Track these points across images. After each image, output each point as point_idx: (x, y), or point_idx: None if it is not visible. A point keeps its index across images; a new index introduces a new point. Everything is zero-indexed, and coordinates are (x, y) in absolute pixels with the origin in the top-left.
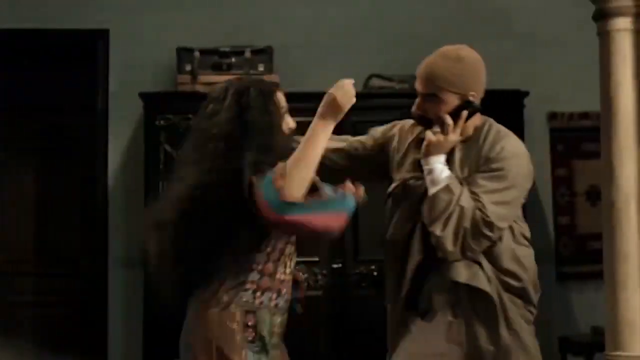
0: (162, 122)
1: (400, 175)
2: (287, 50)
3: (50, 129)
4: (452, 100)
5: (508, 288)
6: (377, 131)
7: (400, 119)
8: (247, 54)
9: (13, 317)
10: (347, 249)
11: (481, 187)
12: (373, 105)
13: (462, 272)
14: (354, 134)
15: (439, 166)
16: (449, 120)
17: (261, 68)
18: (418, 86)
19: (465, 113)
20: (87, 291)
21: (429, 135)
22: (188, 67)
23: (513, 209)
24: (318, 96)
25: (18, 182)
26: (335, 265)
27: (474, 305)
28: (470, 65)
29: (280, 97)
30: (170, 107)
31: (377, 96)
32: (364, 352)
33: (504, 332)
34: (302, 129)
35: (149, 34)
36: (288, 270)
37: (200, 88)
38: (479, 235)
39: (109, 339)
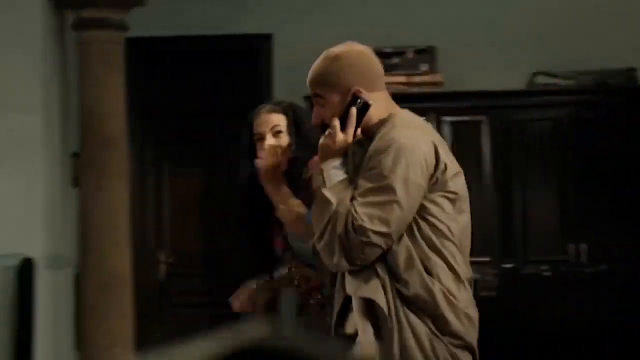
0: None
1: None
2: (449, 50)
3: (216, 134)
4: (337, 100)
5: (403, 297)
6: None
7: (567, 116)
8: (410, 55)
9: (185, 318)
10: (517, 249)
11: (359, 189)
12: (538, 104)
13: (350, 284)
14: (519, 133)
15: (332, 172)
16: (334, 122)
17: (424, 68)
18: (308, 87)
19: (353, 110)
20: None
21: (320, 140)
22: None
23: (398, 209)
24: (481, 95)
25: (185, 186)
26: (506, 266)
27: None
28: (347, 61)
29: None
30: None
31: (542, 94)
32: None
33: (396, 351)
34: (465, 129)
35: (312, 38)
36: None
37: None
38: (356, 242)
39: None
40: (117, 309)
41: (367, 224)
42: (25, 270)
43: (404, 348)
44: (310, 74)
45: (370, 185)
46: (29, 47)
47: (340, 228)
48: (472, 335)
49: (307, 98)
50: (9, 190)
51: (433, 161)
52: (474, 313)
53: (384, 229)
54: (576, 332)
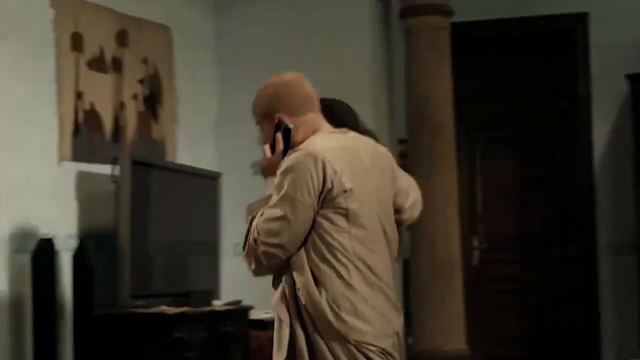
0: None
1: None
2: None
3: (529, 116)
4: (268, 126)
5: (297, 310)
6: None
7: None
8: None
9: (499, 305)
10: None
11: (268, 205)
12: None
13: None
14: None
15: (265, 188)
16: (265, 146)
17: None
18: None
19: (278, 135)
20: (574, 279)
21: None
22: None
23: (285, 224)
24: None
25: (499, 170)
26: None
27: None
28: (267, 91)
29: None
30: None
31: None
32: None
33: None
34: None
35: (630, 15)
36: None
37: None
38: (255, 252)
39: (601, 327)
40: (449, 295)
41: (262, 237)
42: None
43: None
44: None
45: (272, 200)
46: (359, 36)
47: (250, 239)
48: (364, 338)
49: (628, 77)
50: None
51: (320, 181)
52: (372, 316)
53: (274, 240)
54: None
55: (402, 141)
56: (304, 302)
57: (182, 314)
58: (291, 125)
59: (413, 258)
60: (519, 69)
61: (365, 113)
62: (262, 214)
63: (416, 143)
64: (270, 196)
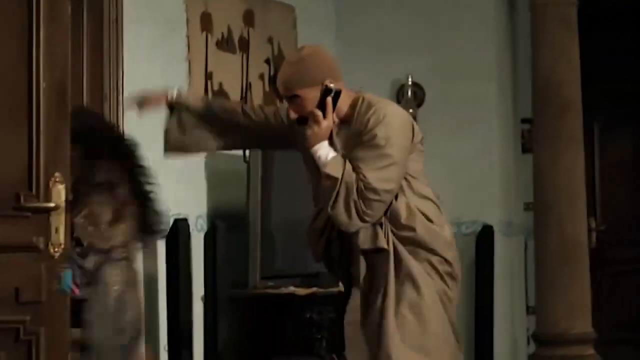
0: None
1: None
2: None
3: None
4: (314, 93)
5: (405, 241)
6: None
7: None
8: None
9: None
10: None
11: (361, 159)
12: None
13: (362, 238)
14: None
15: (323, 151)
16: (316, 112)
17: None
18: (281, 93)
19: (329, 99)
20: None
21: (307, 131)
22: None
23: (397, 168)
24: None
25: (618, 150)
26: None
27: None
28: (311, 61)
29: None
30: None
31: None
32: None
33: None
34: None
35: None
36: None
37: None
38: (368, 201)
39: None
40: (576, 277)
41: (378, 185)
42: (485, 236)
43: (401, 283)
44: (282, 82)
45: (371, 154)
46: (483, 13)
47: (354, 193)
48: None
49: None
50: (467, 157)
51: (411, 127)
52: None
53: (390, 187)
54: None
55: (524, 120)
56: (418, 236)
57: (312, 294)
58: (340, 89)
59: (538, 240)
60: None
61: (490, 92)
62: (358, 168)
63: (541, 122)
64: (343, 155)
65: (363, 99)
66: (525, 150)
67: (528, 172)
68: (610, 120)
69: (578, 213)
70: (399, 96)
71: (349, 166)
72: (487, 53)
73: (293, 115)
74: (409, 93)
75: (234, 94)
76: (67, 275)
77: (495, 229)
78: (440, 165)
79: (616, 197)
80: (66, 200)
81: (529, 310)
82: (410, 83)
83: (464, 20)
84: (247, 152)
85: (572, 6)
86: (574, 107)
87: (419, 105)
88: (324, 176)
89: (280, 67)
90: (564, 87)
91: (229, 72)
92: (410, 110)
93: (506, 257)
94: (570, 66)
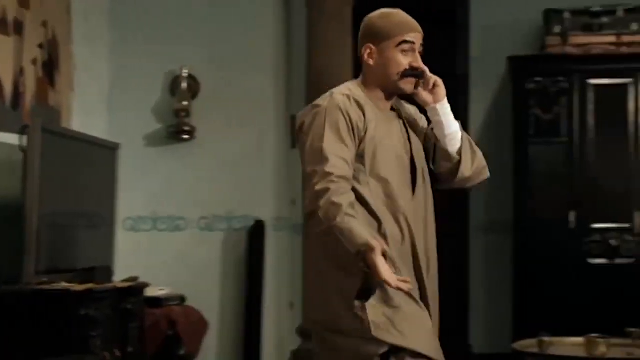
0: (531, 85)
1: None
2: None
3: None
4: None
5: None
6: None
7: None
8: (620, 13)
9: None
10: None
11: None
12: None
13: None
14: None
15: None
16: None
17: (635, 27)
18: (420, 38)
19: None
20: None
21: (437, 79)
22: (557, 29)
23: None
24: None
25: None
26: None
27: None
28: None
29: None
30: (539, 70)
31: None
32: None
33: None
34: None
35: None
36: None
37: (570, 50)
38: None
39: (470, 305)
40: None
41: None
42: (256, 232)
43: None
44: (418, 25)
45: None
46: (260, 7)
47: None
48: None
49: (511, 58)
50: (241, 151)
51: None
52: None
53: None
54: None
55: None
56: None
57: (89, 290)
58: None
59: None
60: None
61: (265, 86)
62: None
63: None
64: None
65: None
66: (294, 145)
67: (297, 167)
68: None
69: None
70: (173, 87)
71: None
72: (263, 47)
73: (420, 63)
74: (184, 85)
75: (7, 80)
76: None
77: (267, 224)
78: (214, 159)
79: None
80: None
81: (292, 305)
82: (185, 75)
83: (241, 13)
84: (24, 140)
85: (347, 5)
86: None
87: (194, 97)
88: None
89: (389, 13)
90: (337, 84)
91: (2, 56)
92: (185, 103)
93: (277, 252)
94: (344, 63)
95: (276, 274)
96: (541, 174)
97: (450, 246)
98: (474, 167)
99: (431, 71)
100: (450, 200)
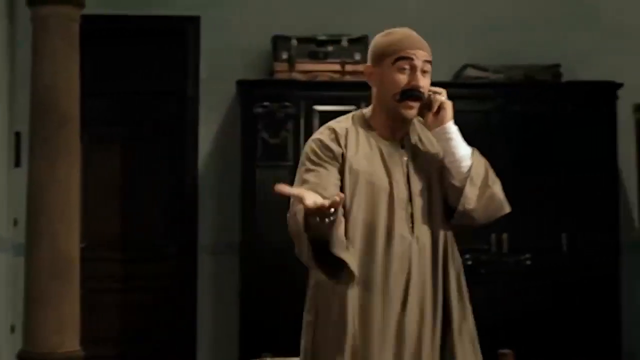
0: (259, 109)
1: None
2: None
3: (139, 114)
4: None
5: None
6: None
7: (494, 110)
8: (344, 43)
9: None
10: None
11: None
12: (466, 95)
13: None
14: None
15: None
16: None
17: (357, 57)
18: (423, 55)
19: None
20: (176, 278)
21: (445, 100)
22: (285, 55)
23: None
24: None
25: (105, 168)
26: None
27: None
28: None
29: None
30: (267, 94)
31: (470, 86)
32: None
33: None
34: None
35: (241, 21)
36: None
37: (297, 76)
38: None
39: (197, 326)
40: (67, 294)
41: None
42: None
43: None
44: (422, 42)
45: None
46: None
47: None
48: None
49: (240, 82)
50: None
51: None
52: None
53: None
54: (497, 322)
55: (18, 133)
56: None
57: None
58: None
59: (29, 256)
60: (132, 67)
61: None
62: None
63: (39, 135)
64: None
65: None
66: (17, 164)
67: (19, 186)
68: (99, 137)
69: (71, 229)
70: None
71: None
72: None
73: (428, 84)
74: None
75: None
76: None
77: None
78: None
79: (100, 214)
80: None
81: (13, 329)
82: None
83: None
84: None
85: (74, 22)
86: (73, 120)
87: None
88: (476, 150)
89: (392, 31)
90: (63, 100)
91: None
92: None
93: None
94: (71, 79)
95: None
96: (268, 198)
97: (179, 268)
98: (482, 200)
99: (159, 92)
100: (178, 222)
